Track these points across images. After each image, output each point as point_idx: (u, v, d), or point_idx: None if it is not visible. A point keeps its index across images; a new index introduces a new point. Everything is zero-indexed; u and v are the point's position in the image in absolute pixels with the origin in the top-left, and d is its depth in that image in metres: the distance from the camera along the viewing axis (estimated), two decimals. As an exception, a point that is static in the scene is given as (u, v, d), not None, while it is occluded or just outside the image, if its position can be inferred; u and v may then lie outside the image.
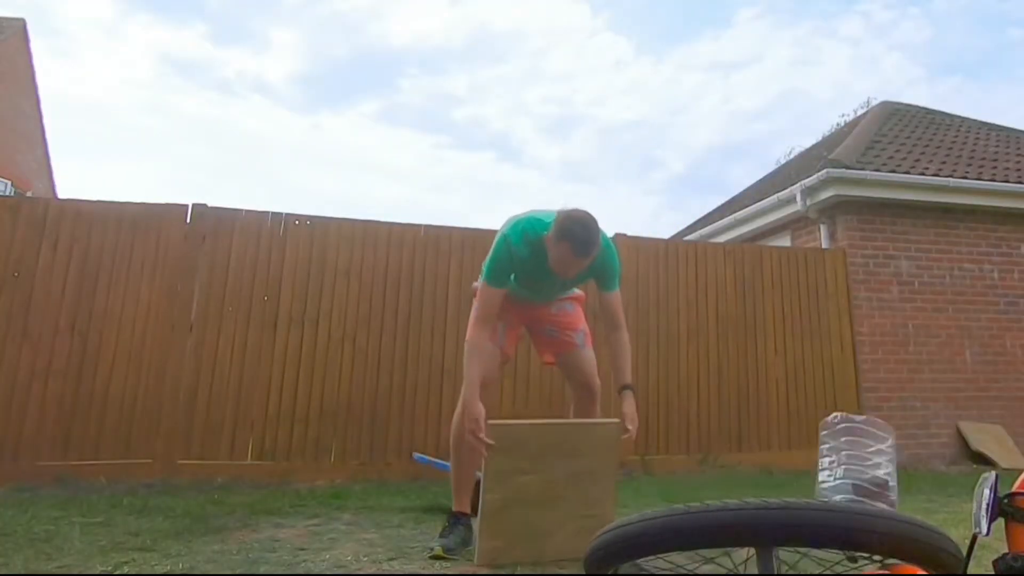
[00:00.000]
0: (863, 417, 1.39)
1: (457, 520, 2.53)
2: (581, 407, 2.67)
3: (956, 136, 8.02)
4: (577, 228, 2.26)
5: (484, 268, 2.48)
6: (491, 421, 2.27)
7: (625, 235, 5.57)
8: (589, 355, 2.68)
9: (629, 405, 2.40)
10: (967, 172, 6.79)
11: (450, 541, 2.42)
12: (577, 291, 2.77)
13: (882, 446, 1.33)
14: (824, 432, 1.42)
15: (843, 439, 1.35)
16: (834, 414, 1.45)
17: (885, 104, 9.10)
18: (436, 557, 2.36)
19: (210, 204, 4.73)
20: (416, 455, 4.02)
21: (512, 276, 2.48)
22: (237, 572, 2.18)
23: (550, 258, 2.36)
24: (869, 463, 1.31)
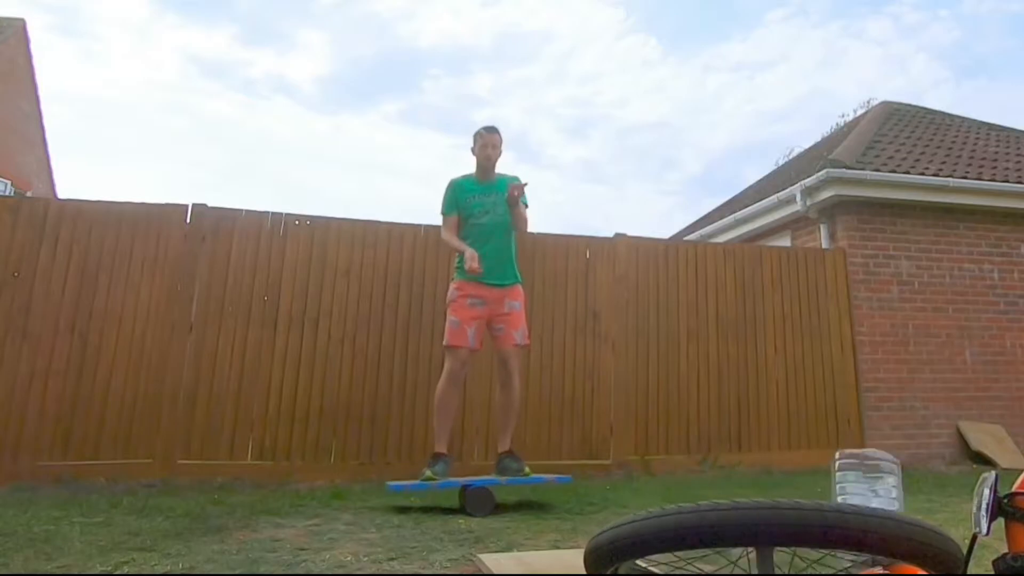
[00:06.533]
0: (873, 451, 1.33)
1: (439, 457, 3.52)
2: (503, 381, 3.71)
3: (956, 136, 8.02)
4: (482, 127, 3.73)
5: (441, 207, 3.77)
6: None
7: (625, 235, 5.57)
8: (518, 351, 3.72)
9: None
10: (967, 172, 6.78)
11: (438, 469, 3.43)
12: (519, 286, 3.75)
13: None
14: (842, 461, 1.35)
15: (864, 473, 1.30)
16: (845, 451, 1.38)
17: (885, 104, 9.09)
18: (429, 479, 3.36)
19: (210, 204, 4.73)
20: (390, 484, 3.55)
21: (459, 204, 3.69)
22: (237, 572, 2.17)
23: (477, 161, 3.71)
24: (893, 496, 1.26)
